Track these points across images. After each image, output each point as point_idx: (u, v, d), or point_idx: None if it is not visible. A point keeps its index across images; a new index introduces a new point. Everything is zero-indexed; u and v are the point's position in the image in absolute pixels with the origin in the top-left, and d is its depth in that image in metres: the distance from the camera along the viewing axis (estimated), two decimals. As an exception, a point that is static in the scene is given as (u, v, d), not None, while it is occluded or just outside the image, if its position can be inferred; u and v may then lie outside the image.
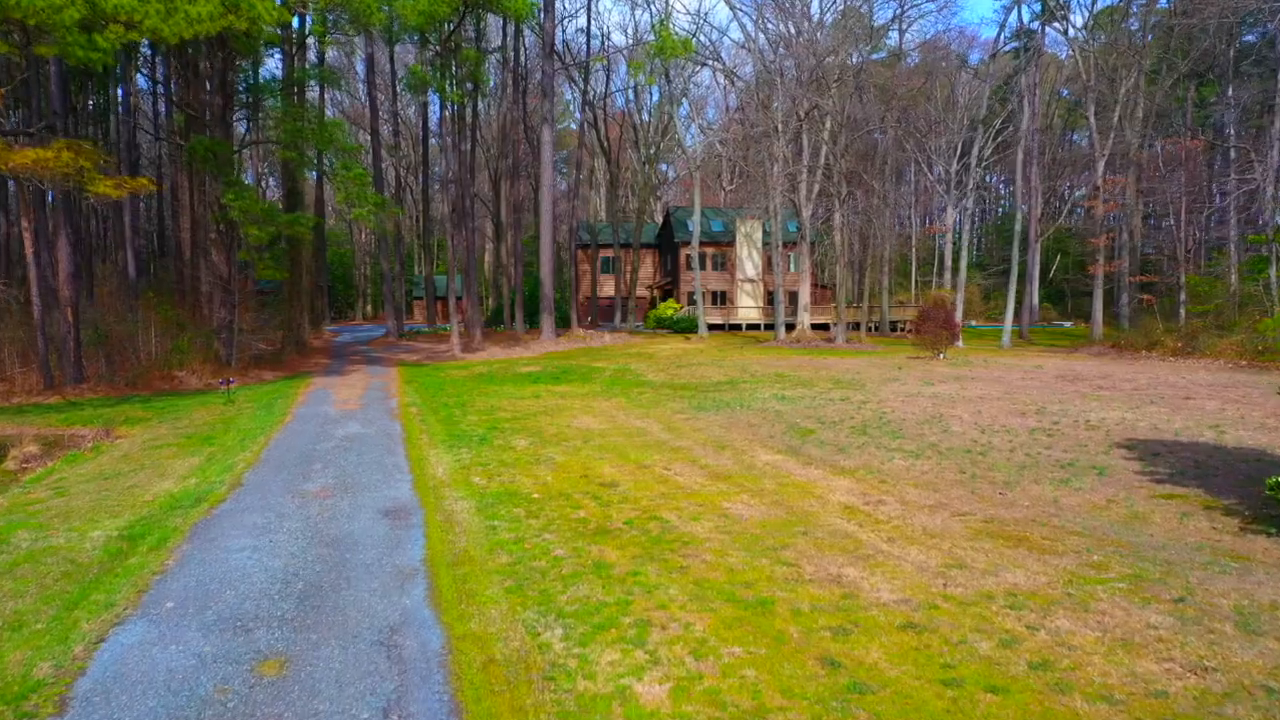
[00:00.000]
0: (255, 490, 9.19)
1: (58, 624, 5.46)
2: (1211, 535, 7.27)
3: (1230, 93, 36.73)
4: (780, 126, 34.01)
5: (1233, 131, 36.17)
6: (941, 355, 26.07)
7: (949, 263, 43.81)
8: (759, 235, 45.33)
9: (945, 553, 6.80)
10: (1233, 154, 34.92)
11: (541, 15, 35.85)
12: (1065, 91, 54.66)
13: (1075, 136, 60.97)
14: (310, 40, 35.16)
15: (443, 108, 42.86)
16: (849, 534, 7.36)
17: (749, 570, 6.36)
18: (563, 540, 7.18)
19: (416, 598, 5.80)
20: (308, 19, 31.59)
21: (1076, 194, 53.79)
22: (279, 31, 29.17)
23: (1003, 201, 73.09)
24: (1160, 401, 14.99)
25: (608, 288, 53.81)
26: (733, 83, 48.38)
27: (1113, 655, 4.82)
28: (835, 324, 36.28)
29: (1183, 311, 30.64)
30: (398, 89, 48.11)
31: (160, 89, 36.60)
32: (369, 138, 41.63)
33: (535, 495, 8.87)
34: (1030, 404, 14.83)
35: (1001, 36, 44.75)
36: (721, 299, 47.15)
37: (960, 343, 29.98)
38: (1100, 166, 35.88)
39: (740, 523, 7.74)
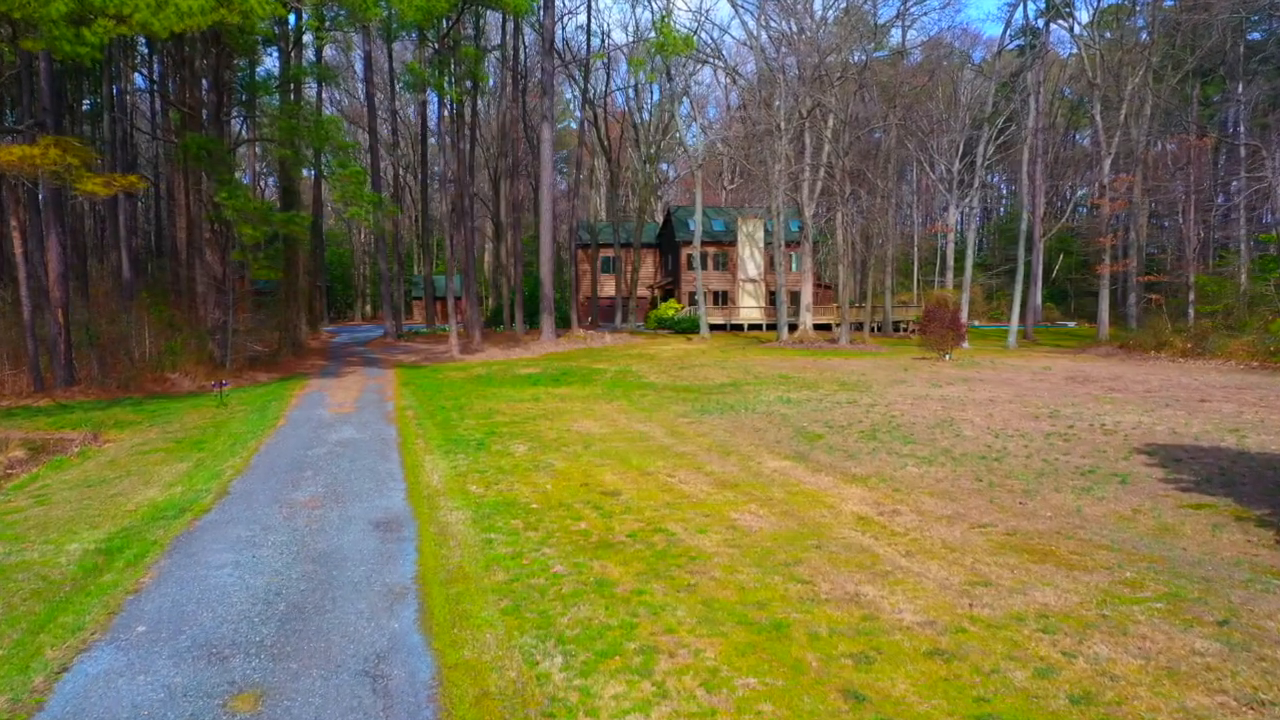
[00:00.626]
0: (242, 500, 8.81)
1: (20, 650, 5.08)
2: (1248, 549, 6.89)
3: (1240, 89, 36.32)
4: (783, 125, 33.62)
5: (1243, 129, 35.75)
6: (947, 356, 25.70)
7: (951, 262, 43.44)
8: (761, 235, 44.95)
9: (968, 568, 6.42)
10: (1242, 151, 34.49)
11: (541, 12, 35.47)
12: (1068, 90, 54.27)
13: (1078, 136, 60.61)
14: (308, 38, 34.78)
15: (441, 106, 42.52)
16: (865, 548, 6.98)
17: (761, 589, 5.97)
18: (563, 555, 6.79)
19: (406, 620, 5.42)
20: (304, 16, 31.20)
21: (1079, 193, 53.38)
22: (274, 28, 28.81)
23: (1004, 201, 72.72)
24: (1175, 404, 14.62)
25: (608, 288, 53.41)
26: (734, 81, 47.97)
27: (1159, 687, 4.43)
28: (838, 324, 35.87)
29: (1191, 312, 30.23)
30: (396, 88, 47.71)
31: (157, 88, 36.22)
32: (367, 136, 41.24)
33: (534, 505, 8.49)
34: (1043, 407, 14.46)
35: (1006, 34, 44.36)
36: (723, 299, 46.77)
37: (966, 343, 29.60)
38: (1106, 165, 35.49)
39: (750, 535, 7.36)
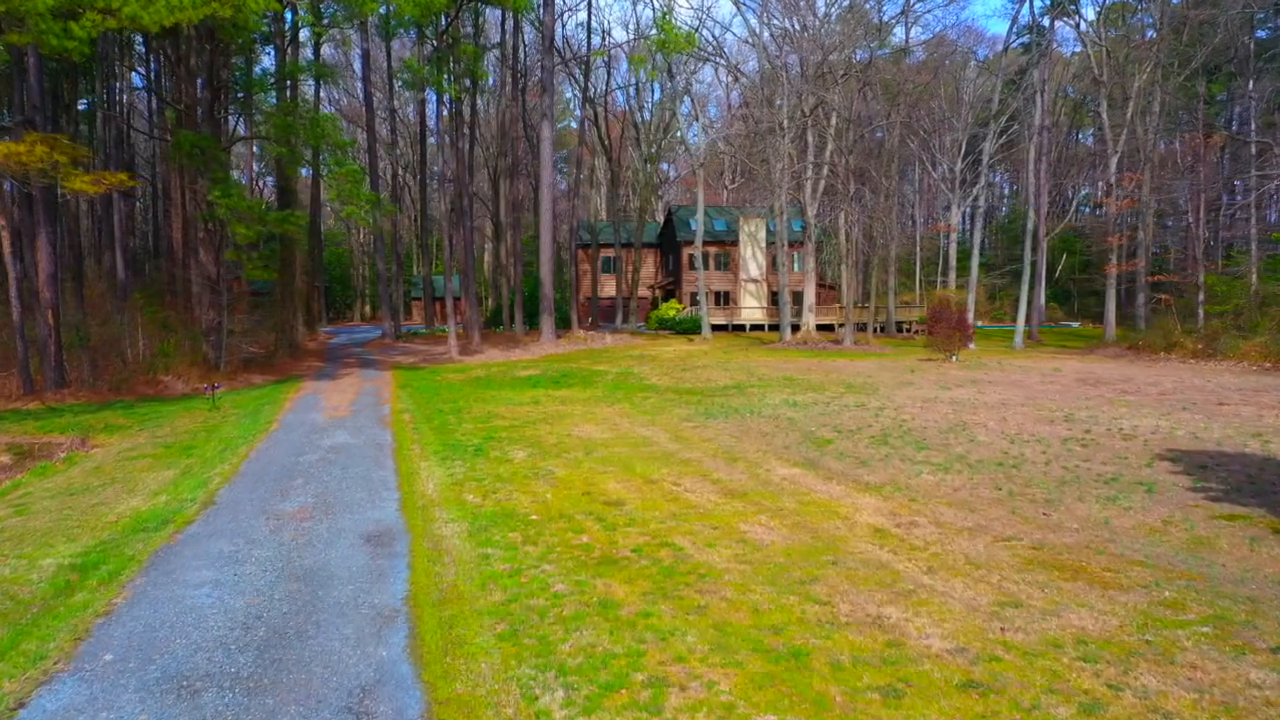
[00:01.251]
0: (228, 510, 8.42)
1: (-24, 682, 4.69)
2: (1291, 565, 6.49)
3: (1250, 86, 35.88)
4: (785, 123, 33.22)
5: (1253, 126, 35.31)
6: (954, 357, 25.30)
7: (954, 262, 43.01)
8: (763, 234, 44.54)
9: (995, 587, 6.02)
10: (1253, 149, 34.05)
11: (541, 9, 35.08)
12: (1071, 89, 53.85)
13: (1080, 135, 60.20)
14: (305, 35, 34.40)
15: (440, 105, 42.14)
16: (883, 563, 6.58)
17: (776, 610, 5.58)
18: (564, 572, 6.40)
19: (395, 648, 5.02)
20: (300, 12, 30.81)
21: (1082, 193, 52.99)
22: (269, 25, 28.42)
23: (1005, 200, 72.29)
24: (1192, 407, 14.22)
25: (609, 288, 53.01)
26: (736, 79, 47.60)
27: (1218, 726, 4.04)
28: (841, 325, 35.48)
29: (1201, 312, 29.79)
30: (395, 86, 47.36)
31: (153, 87, 35.83)
32: (365, 135, 40.84)
33: (534, 516, 8.09)
34: (1056, 410, 14.06)
35: (1012, 31, 43.95)
36: (725, 299, 46.37)
37: (972, 344, 29.21)
38: (1113, 164, 35.07)
39: (761, 549, 6.97)
